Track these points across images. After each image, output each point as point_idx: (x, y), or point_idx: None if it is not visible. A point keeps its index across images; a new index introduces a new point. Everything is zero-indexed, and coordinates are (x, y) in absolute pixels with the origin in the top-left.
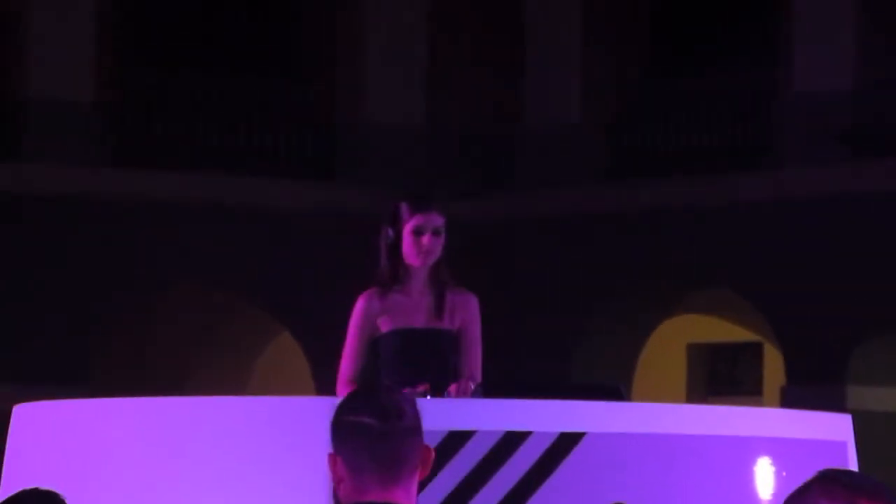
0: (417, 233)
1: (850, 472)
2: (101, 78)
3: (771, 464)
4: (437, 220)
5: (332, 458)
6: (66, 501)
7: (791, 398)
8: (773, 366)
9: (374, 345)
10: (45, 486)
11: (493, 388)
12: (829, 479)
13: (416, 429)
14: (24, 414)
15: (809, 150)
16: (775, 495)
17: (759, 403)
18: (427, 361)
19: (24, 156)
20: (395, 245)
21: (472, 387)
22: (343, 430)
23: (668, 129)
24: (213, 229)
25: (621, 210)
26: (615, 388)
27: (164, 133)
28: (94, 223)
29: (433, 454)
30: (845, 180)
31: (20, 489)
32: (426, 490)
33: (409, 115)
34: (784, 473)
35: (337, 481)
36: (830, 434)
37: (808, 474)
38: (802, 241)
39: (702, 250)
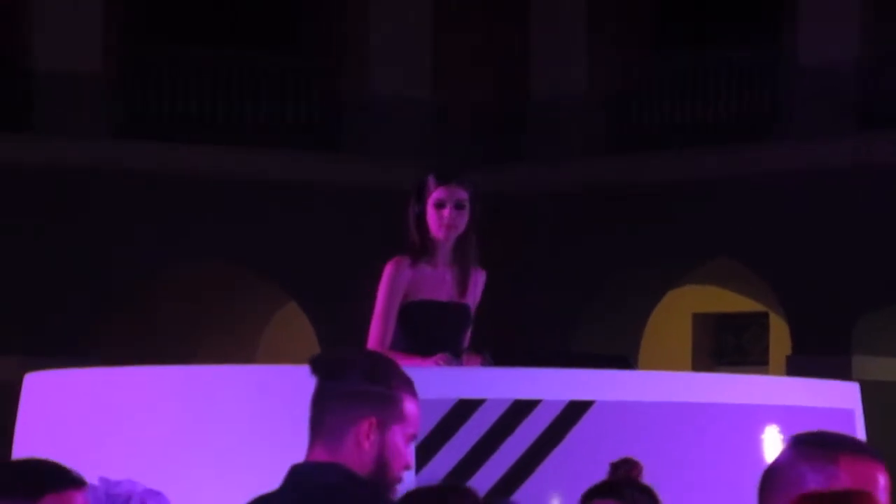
0: (439, 206)
1: (824, 433)
2: (110, 50)
3: (779, 432)
4: (460, 194)
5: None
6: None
7: (796, 368)
8: (779, 336)
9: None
10: (55, 454)
11: (502, 357)
12: (805, 443)
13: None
14: (35, 383)
15: (815, 123)
16: None
17: (765, 373)
18: (447, 335)
19: (32, 128)
20: (422, 217)
21: (482, 359)
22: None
23: (674, 102)
24: (220, 201)
25: (627, 182)
26: (623, 358)
27: (171, 105)
28: (102, 196)
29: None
30: (851, 152)
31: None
32: (435, 458)
33: (415, 86)
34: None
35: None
36: (838, 402)
37: None
38: (808, 213)
39: (708, 222)
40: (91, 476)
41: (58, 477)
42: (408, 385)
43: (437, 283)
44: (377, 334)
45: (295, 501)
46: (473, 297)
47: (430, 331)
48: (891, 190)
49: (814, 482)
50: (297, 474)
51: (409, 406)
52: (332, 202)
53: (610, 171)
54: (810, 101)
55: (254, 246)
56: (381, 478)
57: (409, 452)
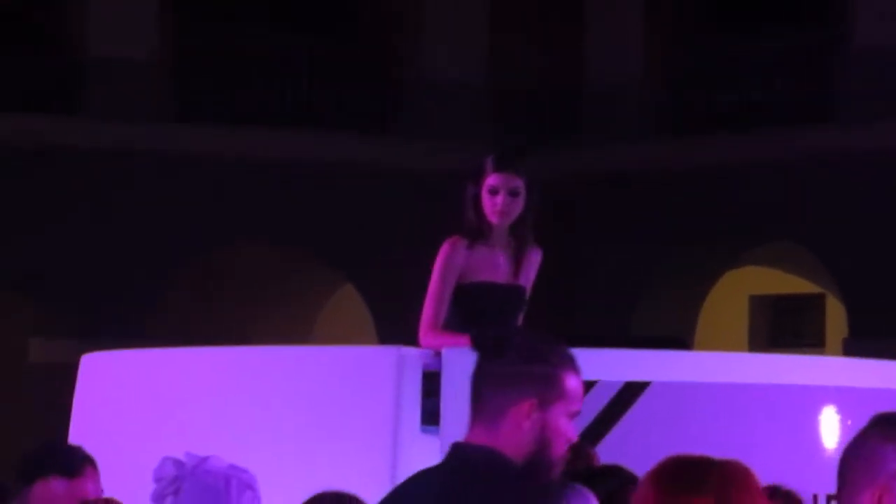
0: (493, 192)
1: None
2: (163, 34)
3: (836, 412)
4: (515, 182)
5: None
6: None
7: (853, 350)
8: (836, 318)
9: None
10: (111, 434)
11: (557, 338)
12: (888, 423)
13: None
14: (92, 364)
15: (873, 104)
16: (840, 444)
17: (822, 356)
18: (502, 316)
19: (86, 111)
20: (478, 199)
21: None
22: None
23: (730, 84)
24: (274, 184)
25: (683, 164)
26: (679, 340)
27: (227, 89)
28: (158, 179)
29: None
30: None
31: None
32: None
33: (470, 69)
34: (849, 422)
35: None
36: None
37: None
38: (866, 195)
39: (765, 203)
40: (146, 455)
41: (84, 457)
42: (569, 362)
43: (493, 264)
44: (430, 313)
45: (451, 481)
46: (528, 278)
47: (484, 312)
48: None
49: None
50: (455, 454)
51: (571, 383)
52: (389, 185)
53: (666, 152)
54: (868, 82)
55: (310, 228)
56: (541, 457)
57: (572, 429)
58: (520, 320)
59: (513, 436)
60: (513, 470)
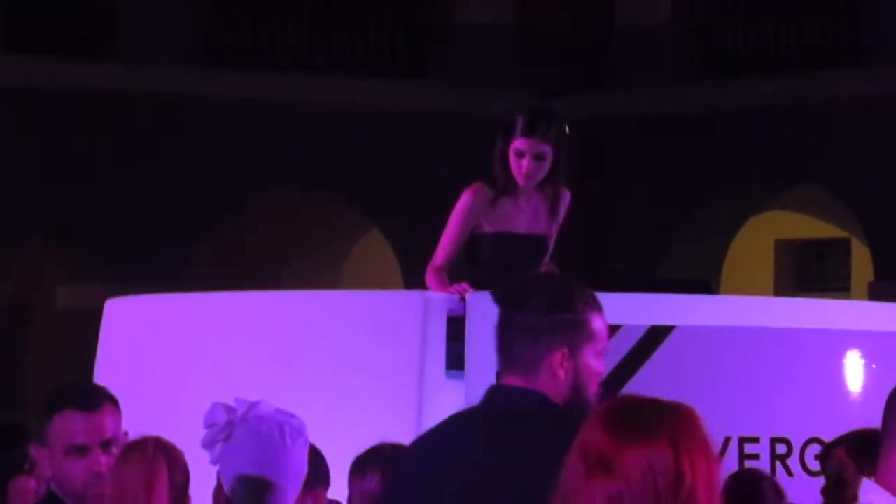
0: (519, 155)
1: None
2: None
3: (861, 356)
4: (540, 147)
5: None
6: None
7: (879, 294)
8: (862, 262)
9: (469, 244)
10: (135, 379)
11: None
12: None
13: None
14: (116, 309)
15: None
16: (865, 388)
17: (847, 299)
18: (521, 267)
19: (121, 55)
20: (505, 155)
21: None
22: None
23: (758, 28)
24: (304, 129)
25: (711, 108)
26: (705, 283)
27: (256, 34)
28: (190, 124)
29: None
30: None
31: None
32: None
33: (500, 13)
34: (874, 366)
35: None
36: None
37: None
38: (891, 138)
39: (791, 147)
40: (173, 400)
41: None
42: (592, 303)
43: (516, 213)
44: (442, 255)
45: (491, 421)
46: (557, 220)
47: (504, 262)
48: None
49: None
50: (494, 396)
51: (597, 324)
52: (417, 129)
53: (695, 96)
54: None
55: (337, 173)
56: (579, 399)
57: (601, 365)
58: (543, 267)
59: (550, 383)
60: (560, 410)
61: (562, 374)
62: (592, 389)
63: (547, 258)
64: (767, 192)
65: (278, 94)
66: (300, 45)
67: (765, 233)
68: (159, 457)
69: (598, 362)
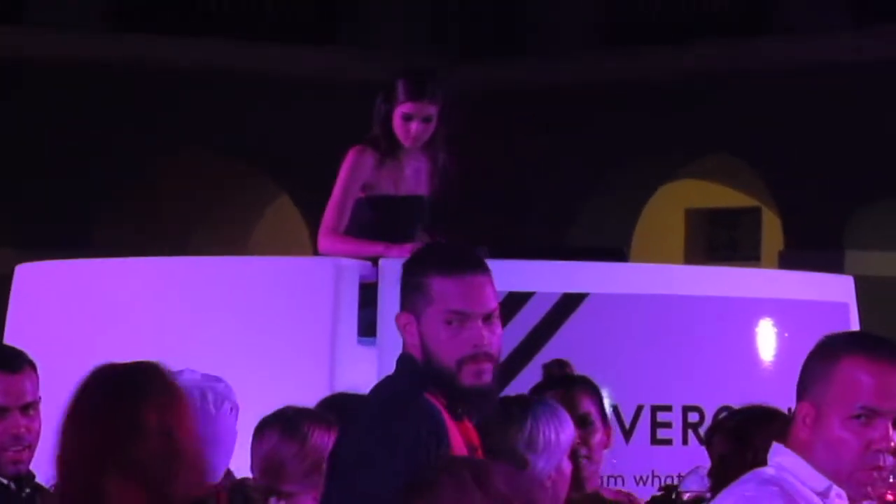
0: (406, 118)
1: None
2: None
3: (773, 325)
4: (429, 110)
5: None
6: None
7: (789, 263)
8: (772, 231)
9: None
10: (45, 344)
11: (496, 250)
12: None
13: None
14: (26, 274)
15: (811, 16)
16: (776, 356)
17: (758, 268)
18: (404, 229)
19: (25, 20)
20: (388, 117)
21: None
22: None
23: None
24: (213, 94)
25: (622, 76)
26: (618, 250)
27: None
28: (96, 88)
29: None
30: (848, 46)
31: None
32: None
33: None
34: (786, 334)
35: None
36: (832, 295)
37: (809, 335)
38: (803, 107)
39: (701, 116)
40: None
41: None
42: (437, 265)
43: (397, 176)
44: (331, 220)
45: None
46: (439, 181)
47: (384, 224)
48: (885, 84)
49: None
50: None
51: (439, 285)
52: (326, 95)
53: (605, 64)
54: None
55: (247, 139)
56: (435, 365)
57: (451, 331)
58: (420, 229)
59: (409, 348)
60: (406, 370)
61: (408, 338)
62: (445, 356)
63: (429, 219)
64: (678, 160)
65: (189, 57)
66: (210, 10)
67: (676, 201)
68: None
69: (448, 328)
